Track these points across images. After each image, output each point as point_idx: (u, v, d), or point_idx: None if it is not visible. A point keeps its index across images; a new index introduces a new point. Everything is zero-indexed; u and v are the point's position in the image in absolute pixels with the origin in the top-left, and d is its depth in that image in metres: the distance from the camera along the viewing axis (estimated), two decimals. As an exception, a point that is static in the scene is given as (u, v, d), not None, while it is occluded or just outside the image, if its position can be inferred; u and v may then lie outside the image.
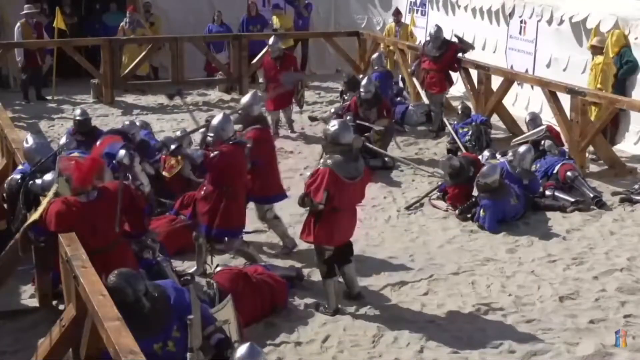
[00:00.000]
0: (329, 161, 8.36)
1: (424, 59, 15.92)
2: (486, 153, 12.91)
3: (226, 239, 9.35)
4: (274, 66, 15.36)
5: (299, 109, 16.20)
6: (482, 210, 11.15)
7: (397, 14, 19.72)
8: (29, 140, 9.10)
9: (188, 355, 5.56)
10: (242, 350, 5.82)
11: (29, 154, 8.95)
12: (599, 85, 13.81)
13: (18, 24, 18.52)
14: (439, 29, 16.03)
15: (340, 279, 8.89)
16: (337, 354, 7.89)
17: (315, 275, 9.48)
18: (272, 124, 14.43)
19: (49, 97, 18.53)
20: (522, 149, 12.27)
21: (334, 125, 8.58)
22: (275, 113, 15.38)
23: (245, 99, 10.32)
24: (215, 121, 9.28)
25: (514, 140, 13.70)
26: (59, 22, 18.63)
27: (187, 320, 5.61)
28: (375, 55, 16.88)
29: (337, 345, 8.03)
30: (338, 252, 8.68)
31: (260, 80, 17.19)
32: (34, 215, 7.67)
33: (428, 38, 16.42)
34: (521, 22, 16.99)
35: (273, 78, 15.07)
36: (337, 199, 8.32)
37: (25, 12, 18.52)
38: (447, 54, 15.65)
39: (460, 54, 15.90)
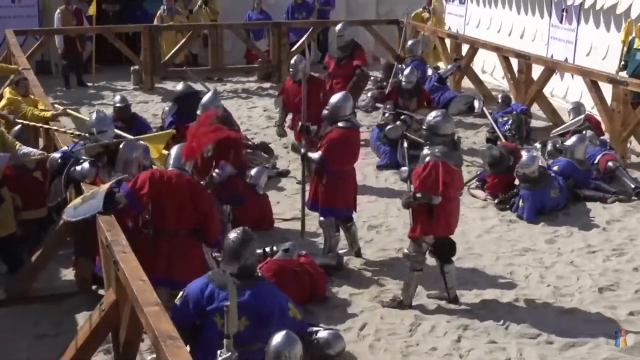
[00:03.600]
0: (437, 153, 8.25)
1: (328, 60, 14.70)
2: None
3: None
4: (299, 92, 11.12)
5: None
6: (521, 201, 11.09)
7: (429, 4, 19.70)
8: (98, 112, 9.27)
9: (225, 341, 5.57)
10: (278, 338, 5.88)
11: (90, 122, 9.13)
12: None
13: (58, 10, 18.70)
14: (344, 26, 14.70)
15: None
16: (374, 342, 7.90)
17: (353, 263, 9.49)
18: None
19: (90, 84, 18.67)
20: (569, 142, 12.09)
21: (435, 116, 8.48)
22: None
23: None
24: (334, 98, 9.39)
25: (554, 130, 13.59)
26: (91, 9, 18.74)
27: (224, 307, 5.62)
28: (411, 42, 16.29)
29: (374, 333, 8.05)
30: (442, 246, 8.58)
31: (276, 109, 13.56)
32: (75, 201, 7.71)
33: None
34: (562, 10, 16.79)
35: (298, 107, 10.85)
36: (451, 187, 8.32)
37: None
38: (351, 61, 14.12)
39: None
